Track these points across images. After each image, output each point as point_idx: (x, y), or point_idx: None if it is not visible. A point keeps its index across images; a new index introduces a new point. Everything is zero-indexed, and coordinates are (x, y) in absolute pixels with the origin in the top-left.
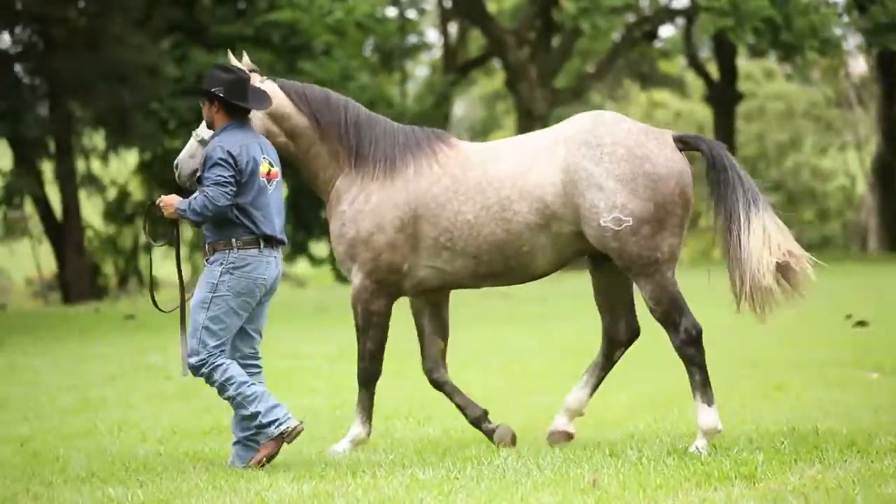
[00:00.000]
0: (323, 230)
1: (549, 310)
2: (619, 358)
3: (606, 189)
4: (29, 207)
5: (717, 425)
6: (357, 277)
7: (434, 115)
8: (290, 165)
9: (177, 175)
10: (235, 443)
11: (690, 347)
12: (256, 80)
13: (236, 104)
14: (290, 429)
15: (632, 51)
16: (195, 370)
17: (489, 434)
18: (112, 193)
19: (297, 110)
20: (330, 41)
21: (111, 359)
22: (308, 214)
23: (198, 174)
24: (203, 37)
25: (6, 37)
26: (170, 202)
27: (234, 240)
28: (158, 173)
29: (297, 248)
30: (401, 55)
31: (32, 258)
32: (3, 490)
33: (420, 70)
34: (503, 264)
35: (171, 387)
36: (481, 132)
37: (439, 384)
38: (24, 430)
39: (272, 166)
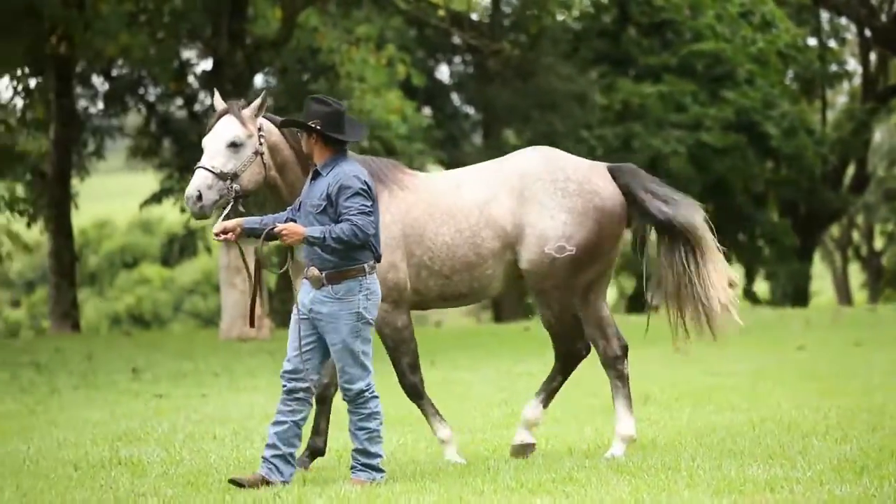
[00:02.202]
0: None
1: None
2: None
3: (557, 220)
4: None
5: (539, 419)
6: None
7: (853, 142)
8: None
9: (195, 207)
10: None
11: (572, 365)
12: (246, 115)
13: (334, 136)
14: (378, 483)
15: None
16: (359, 394)
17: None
18: None
19: (287, 144)
20: (752, 70)
21: (539, 375)
22: (725, 236)
23: (320, 204)
24: (629, 67)
25: (444, 68)
26: (295, 230)
27: (366, 266)
28: None
29: None
30: (822, 83)
31: None
32: (438, 498)
33: (840, 98)
34: (468, 286)
35: (596, 402)
36: None
37: (323, 399)
38: (457, 440)
39: None
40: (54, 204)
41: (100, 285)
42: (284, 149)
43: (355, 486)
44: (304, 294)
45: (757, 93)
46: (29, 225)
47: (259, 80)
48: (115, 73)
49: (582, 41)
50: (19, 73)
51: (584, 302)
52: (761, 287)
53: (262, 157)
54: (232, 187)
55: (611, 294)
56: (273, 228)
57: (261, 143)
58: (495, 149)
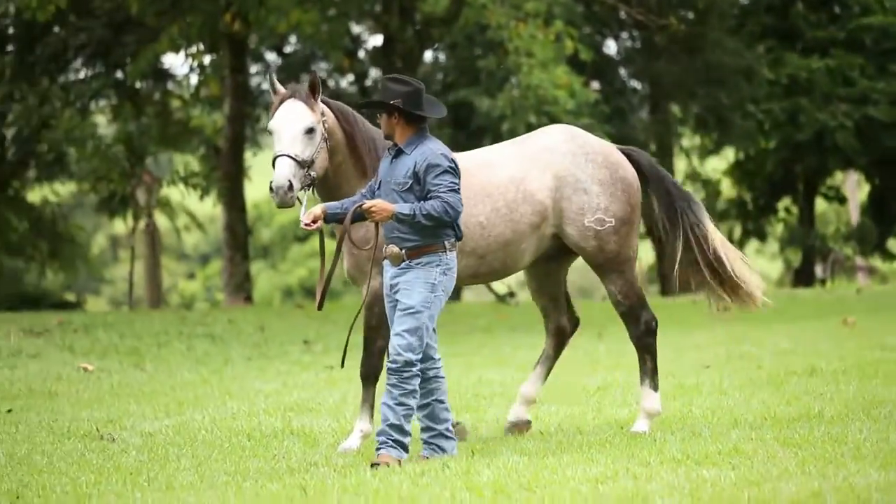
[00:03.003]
0: None
1: None
2: (565, 347)
3: (591, 192)
4: None
5: (659, 408)
6: (377, 280)
7: None
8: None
9: (286, 197)
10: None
11: (649, 337)
12: (300, 96)
13: (416, 114)
14: (397, 463)
15: None
16: (407, 365)
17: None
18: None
19: (339, 126)
20: None
21: (707, 348)
22: (891, 211)
23: (406, 182)
24: (796, 41)
25: (612, 43)
26: (384, 206)
27: (446, 242)
28: (750, 172)
29: (875, 244)
30: None
31: None
32: (605, 469)
33: None
34: (502, 262)
35: (762, 375)
36: None
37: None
38: (623, 413)
39: None
40: (228, 178)
41: (272, 258)
42: (337, 132)
43: (384, 463)
44: (387, 274)
45: None
46: (202, 198)
47: (428, 56)
48: (287, 49)
49: (749, 15)
50: (195, 50)
51: None
52: None
53: (327, 143)
54: (309, 174)
55: (776, 268)
56: (361, 206)
57: (325, 129)
58: (662, 123)
